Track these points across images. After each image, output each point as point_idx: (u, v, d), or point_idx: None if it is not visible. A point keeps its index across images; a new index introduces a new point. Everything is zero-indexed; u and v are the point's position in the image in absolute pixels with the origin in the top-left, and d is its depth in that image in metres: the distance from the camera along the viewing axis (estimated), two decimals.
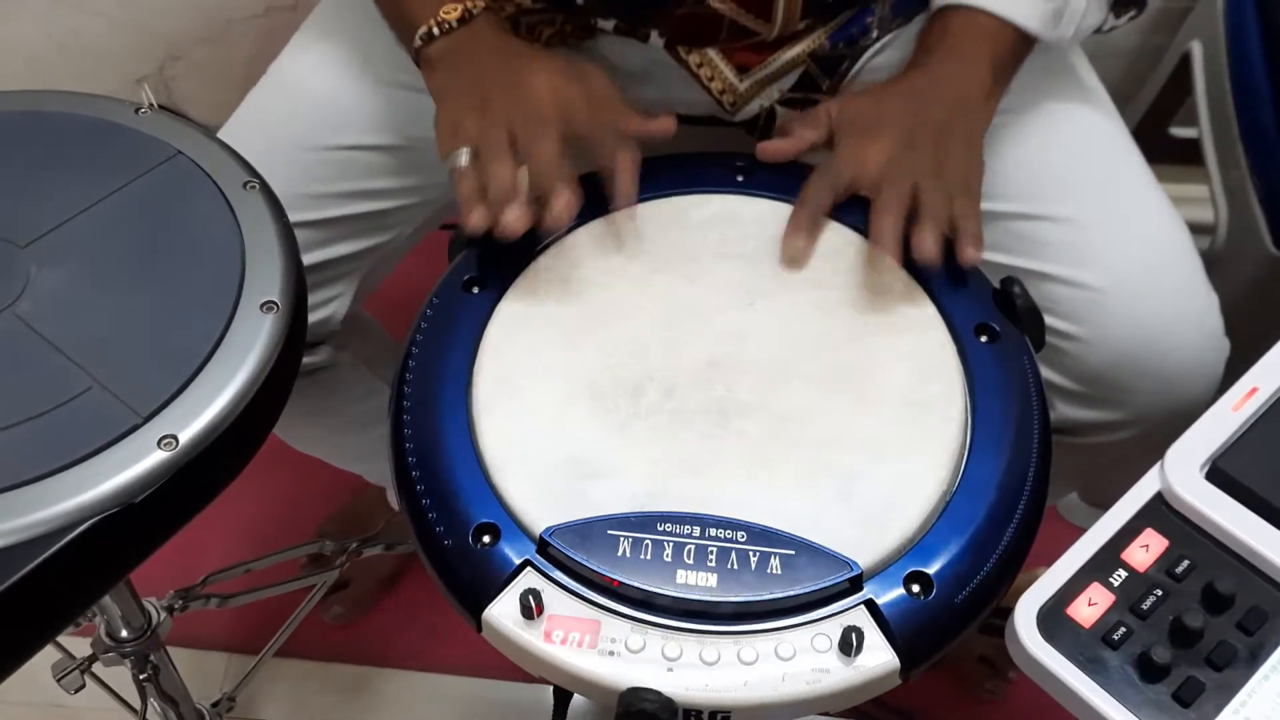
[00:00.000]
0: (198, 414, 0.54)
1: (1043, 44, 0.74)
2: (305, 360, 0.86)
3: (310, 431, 0.98)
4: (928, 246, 0.63)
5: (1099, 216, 0.76)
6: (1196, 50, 1.12)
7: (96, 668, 0.87)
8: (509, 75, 0.69)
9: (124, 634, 0.84)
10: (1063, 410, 0.78)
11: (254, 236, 0.61)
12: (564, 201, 0.64)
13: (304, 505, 1.23)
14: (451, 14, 0.71)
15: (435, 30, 0.71)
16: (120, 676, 0.91)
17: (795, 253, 0.66)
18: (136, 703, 0.90)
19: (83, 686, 0.86)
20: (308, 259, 0.74)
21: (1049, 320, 0.69)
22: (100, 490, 0.52)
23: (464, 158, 0.67)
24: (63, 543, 0.51)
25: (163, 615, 0.86)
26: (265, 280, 0.60)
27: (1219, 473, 0.54)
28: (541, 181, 0.64)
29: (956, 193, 0.65)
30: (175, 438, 0.54)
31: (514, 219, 0.63)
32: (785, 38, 0.82)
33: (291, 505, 1.24)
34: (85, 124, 0.66)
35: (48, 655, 0.84)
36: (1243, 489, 0.53)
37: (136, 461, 0.53)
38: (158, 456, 0.53)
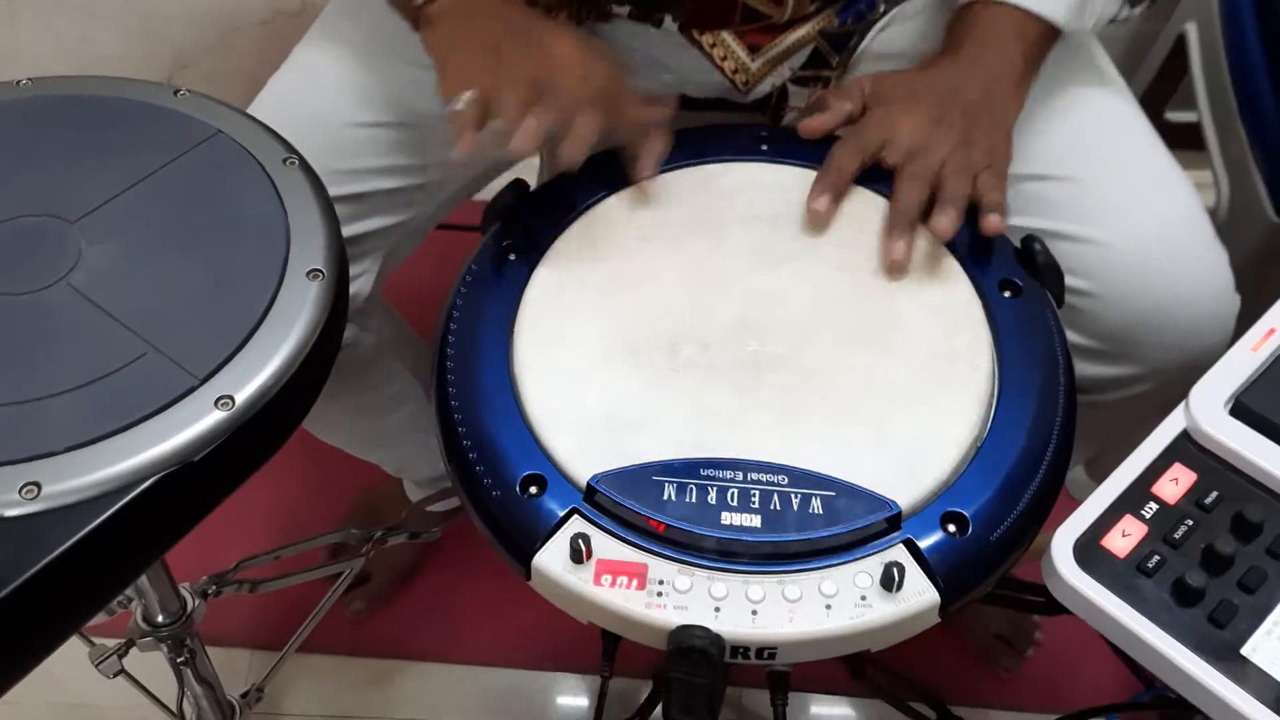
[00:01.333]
0: (252, 375, 0.56)
1: (1066, 33, 0.76)
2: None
3: (330, 415, 0.99)
4: (943, 226, 0.65)
5: (1110, 177, 0.78)
6: (1192, 31, 1.15)
7: (126, 662, 0.88)
8: (524, 35, 0.71)
9: (160, 619, 0.85)
10: (1081, 368, 0.79)
11: (296, 209, 0.63)
12: (589, 122, 0.65)
13: (325, 498, 1.24)
14: None
15: None
16: (147, 670, 0.92)
17: (819, 213, 0.68)
18: (163, 695, 0.91)
19: (120, 672, 0.87)
20: None
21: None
22: (161, 449, 0.53)
23: (464, 102, 0.67)
24: (126, 500, 0.52)
25: (197, 601, 0.87)
26: (310, 250, 0.61)
27: (1242, 407, 0.56)
28: (568, 106, 0.65)
29: (982, 169, 0.67)
30: (231, 398, 0.55)
31: (532, 129, 0.64)
32: (796, 19, 0.85)
33: (312, 498, 1.25)
34: (126, 106, 0.67)
35: (72, 652, 0.85)
36: (1266, 422, 0.55)
37: (195, 421, 0.54)
38: (215, 416, 0.55)
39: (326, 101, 0.83)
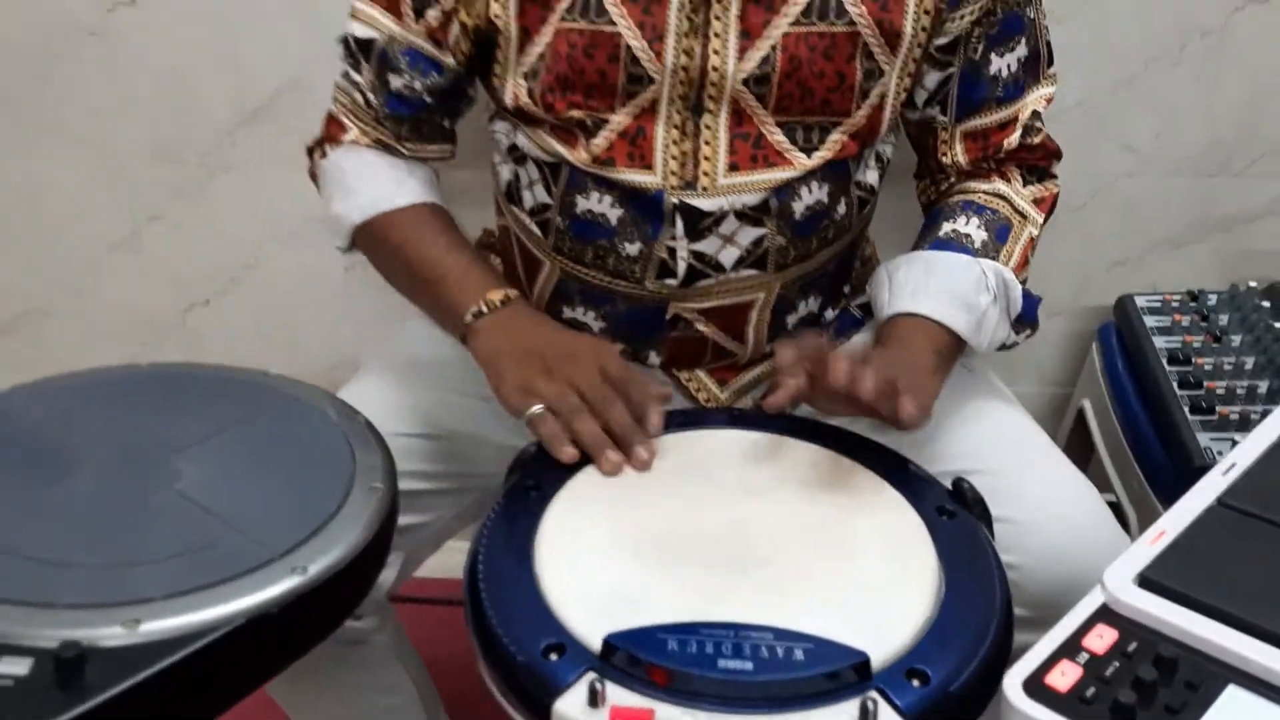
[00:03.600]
0: (323, 552, 0.67)
1: (970, 349, 0.97)
2: (350, 625, 0.97)
3: (329, 710, 1.04)
4: (908, 409, 0.81)
5: (1018, 470, 0.94)
6: (1088, 406, 1.37)
7: None
8: (560, 346, 0.90)
9: None
10: (1018, 639, 0.90)
11: (359, 444, 0.78)
12: (649, 451, 0.84)
13: None
14: (496, 296, 0.94)
15: (484, 308, 0.93)
16: None
17: (773, 406, 0.83)
18: None
19: None
20: None
21: None
22: (244, 602, 0.63)
23: (539, 408, 0.86)
24: (210, 639, 0.61)
25: None
26: (370, 472, 0.75)
27: (1147, 580, 0.68)
28: (626, 436, 0.85)
29: (913, 387, 0.83)
30: (305, 567, 0.66)
31: (617, 461, 0.84)
32: (756, 358, 1.05)
33: None
34: (226, 380, 0.84)
35: None
36: (1167, 589, 0.67)
37: (274, 583, 0.64)
38: (291, 580, 0.65)
39: (375, 415, 1.00)
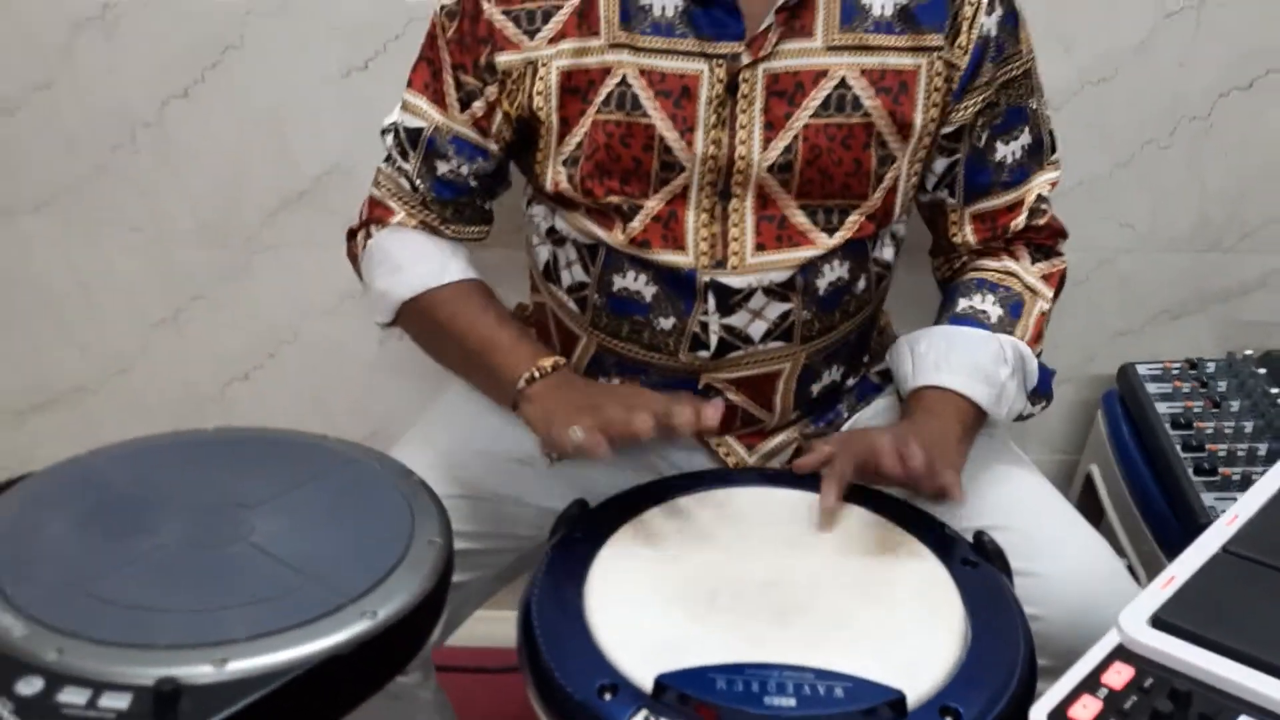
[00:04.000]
0: (391, 598, 0.72)
1: (990, 419, 1.02)
2: (399, 680, 1.01)
3: None
4: (949, 481, 0.87)
5: (1039, 528, 0.99)
6: (1095, 471, 1.42)
7: None
8: (606, 394, 0.96)
9: None
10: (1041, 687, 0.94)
11: (417, 503, 0.83)
12: (711, 407, 0.89)
13: None
14: (546, 362, 0.99)
15: (536, 374, 0.98)
16: None
17: (830, 508, 0.88)
18: None
19: None
20: None
21: None
22: (321, 643, 0.68)
23: (579, 433, 0.88)
24: (291, 677, 0.66)
25: None
26: (428, 528, 0.80)
27: (1159, 620, 0.73)
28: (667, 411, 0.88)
29: (944, 459, 0.89)
30: (375, 612, 0.71)
31: (690, 412, 0.87)
32: (781, 425, 1.11)
33: None
34: (290, 444, 0.90)
35: None
36: (1178, 628, 0.72)
37: (347, 626, 0.69)
38: (362, 624, 0.70)
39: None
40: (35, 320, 1.55)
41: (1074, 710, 0.68)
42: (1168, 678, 0.69)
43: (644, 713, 0.69)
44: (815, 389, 1.10)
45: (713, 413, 0.89)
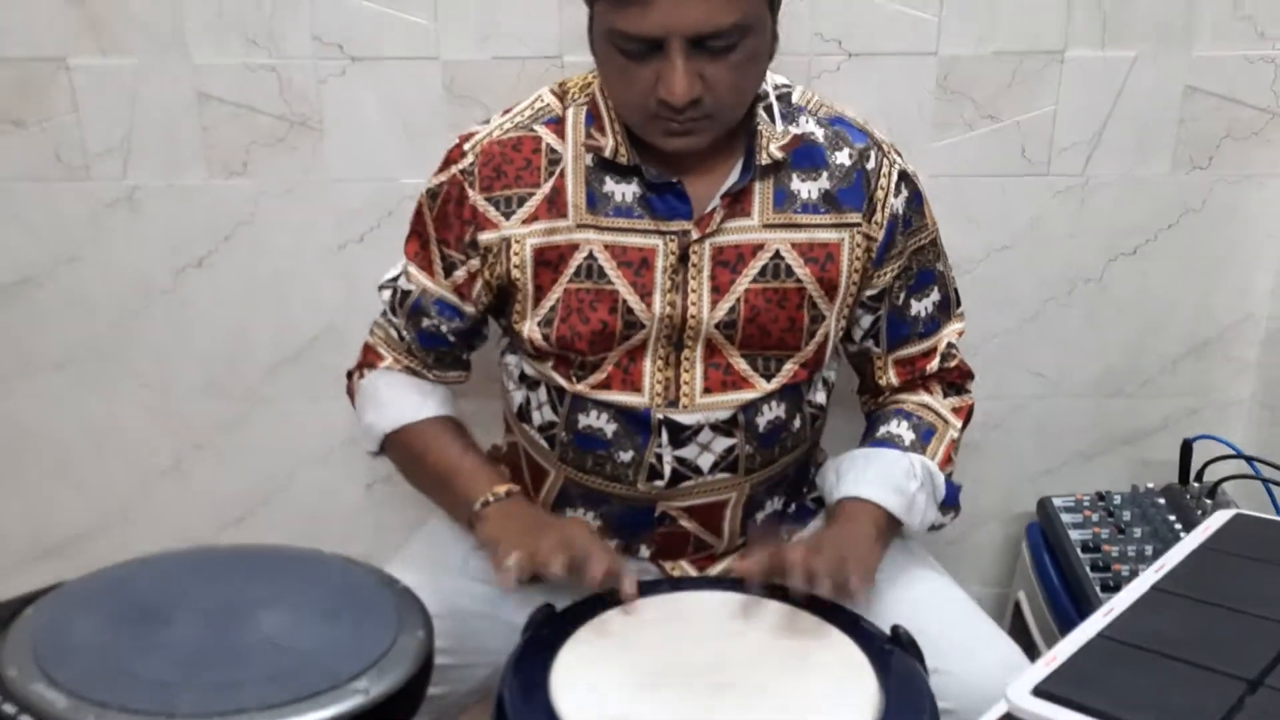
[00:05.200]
0: (381, 679, 0.84)
1: (905, 528, 1.17)
2: None
3: None
4: (854, 586, 1.01)
5: (949, 629, 1.12)
6: (1022, 597, 1.55)
7: None
8: (551, 530, 1.09)
9: None
10: None
11: (401, 603, 0.95)
12: (632, 578, 1.04)
13: None
14: (500, 489, 1.14)
15: (490, 498, 1.13)
16: None
17: (746, 570, 1.04)
18: None
19: None
20: None
21: None
22: (323, 713, 0.80)
23: (514, 560, 1.03)
24: None
25: None
26: (412, 623, 0.93)
27: (1041, 691, 0.86)
28: (614, 567, 1.03)
29: (857, 559, 1.03)
30: (367, 690, 0.83)
31: (599, 568, 1.03)
32: (729, 550, 1.25)
33: None
34: (290, 555, 1.02)
35: None
36: (1055, 696, 0.85)
37: (345, 699, 0.81)
38: (357, 698, 0.82)
39: None
40: (45, 470, 1.68)
41: None
42: None
43: None
44: (759, 517, 1.24)
45: (630, 587, 1.05)
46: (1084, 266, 1.56)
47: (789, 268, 1.15)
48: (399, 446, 1.24)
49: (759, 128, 1.13)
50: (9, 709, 0.77)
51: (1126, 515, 1.46)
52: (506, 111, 1.19)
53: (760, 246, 1.14)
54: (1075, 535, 1.44)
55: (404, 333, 1.25)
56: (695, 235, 1.13)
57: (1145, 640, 0.92)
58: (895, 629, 1.01)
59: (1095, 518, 1.47)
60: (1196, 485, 1.48)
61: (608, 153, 1.13)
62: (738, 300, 1.14)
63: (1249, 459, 1.44)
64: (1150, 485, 1.52)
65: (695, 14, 0.98)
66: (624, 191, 1.14)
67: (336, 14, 1.44)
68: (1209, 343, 1.60)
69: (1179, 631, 0.93)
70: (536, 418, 1.23)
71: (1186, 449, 1.49)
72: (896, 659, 0.96)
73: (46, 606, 0.91)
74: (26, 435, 1.66)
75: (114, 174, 1.52)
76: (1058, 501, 1.52)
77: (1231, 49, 1.45)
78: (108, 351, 1.61)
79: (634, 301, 1.14)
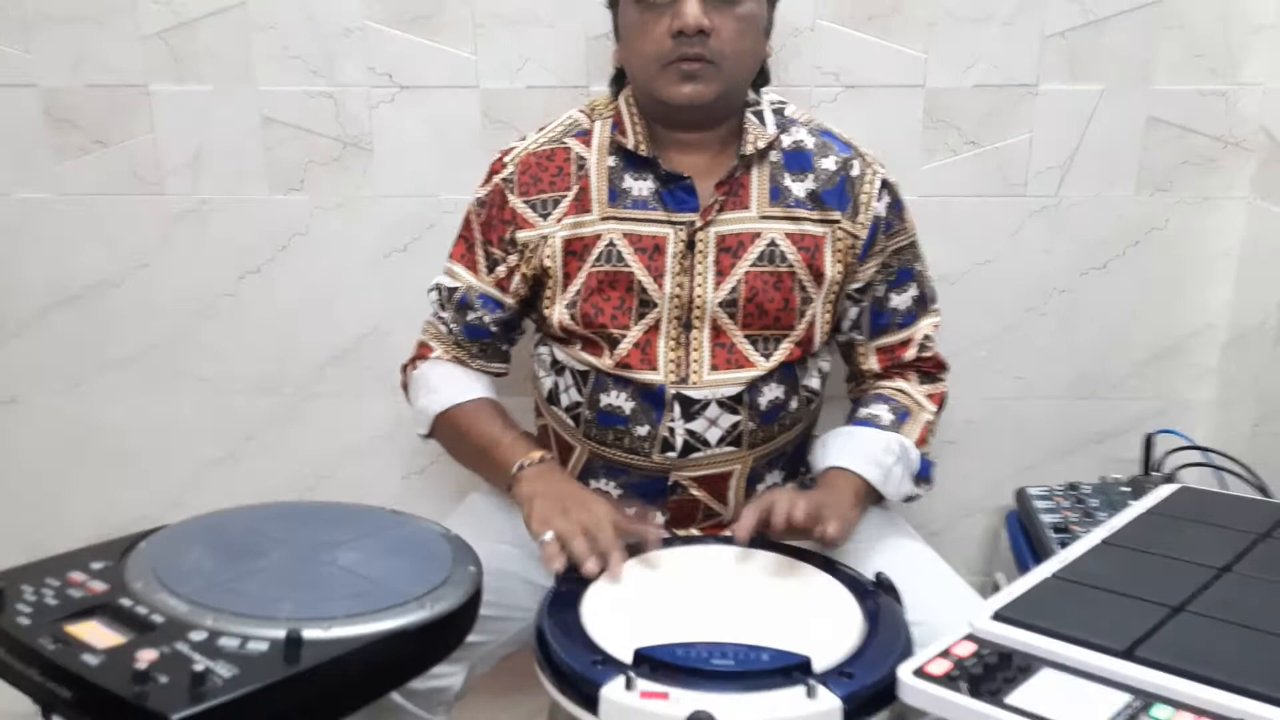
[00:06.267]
0: (442, 600, 1.00)
1: (885, 500, 1.32)
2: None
3: None
4: (831, 533, 1.17)
5: (923, 586, 1.26)
6: (1001, 579, 1.70)
7: None
8: (577, 497, 1.25)
9: None
10: None
11: (455, 547, 1.11)
12: (619, 559, 1.17)
13: None
14: (535, 454, 1.30)
15: (526, 464, 1.29)
16: None
17: (743, 530, 1.18)
18: None
19: None
20: None
21: None
22: (392, 623, 0.95)
23: (550, 536, 1.19)
24: (372, 641, 0.92)
25: None
26: (464, 560, 1.08)
27: (999, 615, 1.01)
28: (606, 551, 1.17)
29: (836, 515, 1.18)
30: (431, 605, 0.98)
31: (594, 566, 1.16)
32: (735, 519, 1.40)
33: None
34: (360, 510, 1.18)
35: None
36: (1012, 619, 1.00)
37: (413, 613, 0.97)
38: (422, 612, 0.97)
39: None
40: (111, 460, 1.84)
41: (929, 668, 0.95)
42: (999, 647, 0.97)
43: (625, 675, 0.96)
44: (760, 489, 1.40)
45: (653, 545, 1.21)
46: (1058, 279, 1.73)
47: (783, 254, 1.32)
48: (447, 425, 1.40)
49: (747, 128, 1.33)
50: (141, 610, 0.93)
51: (1094, 502, 1.61)
52: (542, 128, 1.38)
53: (757, 235, 1.32)
54: (1047, 519, 1.59)
55: (451, 326, 1.42)
56: (699, 224, 1.31)
57: (1090, 580, 1.08)
58: (878, 575, 1.16)
59: (1066, 504, 1.62)
60: (1157, 474, 1.63)
61: (630, 145, 1.32)
62: (738, 281, 1.32)
63: (1201, 449, 1.59)
64: (1117, 476, 1.67)
65: None
66: (641, 187, 1.33)
67: (387, 47, 1.62)
68: (1172, 349, 1.76)
69: (1119, 573, 1.09)
70: (564, 399, 1.39)
71: (1148, 442, 1.64)
72: (879, 598, 1.12)
73: (158, 540, 1.08)
74: (95, 428, 1.83)
75: (185, 189, 1.69)
76: (1033, 491, 1.67)
77: (1187, 84, 1.62)
78: (171, 351, 1.78)
79: (648, 282, 1.31)
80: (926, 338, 1.43)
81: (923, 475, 1.38)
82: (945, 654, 0.97)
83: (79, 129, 1.67)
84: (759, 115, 1.35)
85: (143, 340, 1.77)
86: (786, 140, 1.35)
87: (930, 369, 1.45)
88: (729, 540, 1.24)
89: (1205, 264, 1.71)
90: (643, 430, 1.34)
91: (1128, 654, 0.93)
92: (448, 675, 1.28)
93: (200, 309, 1.76)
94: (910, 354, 1.42)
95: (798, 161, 1.35)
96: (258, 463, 1.84)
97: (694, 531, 1.40)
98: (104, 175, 1.69)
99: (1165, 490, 1.33)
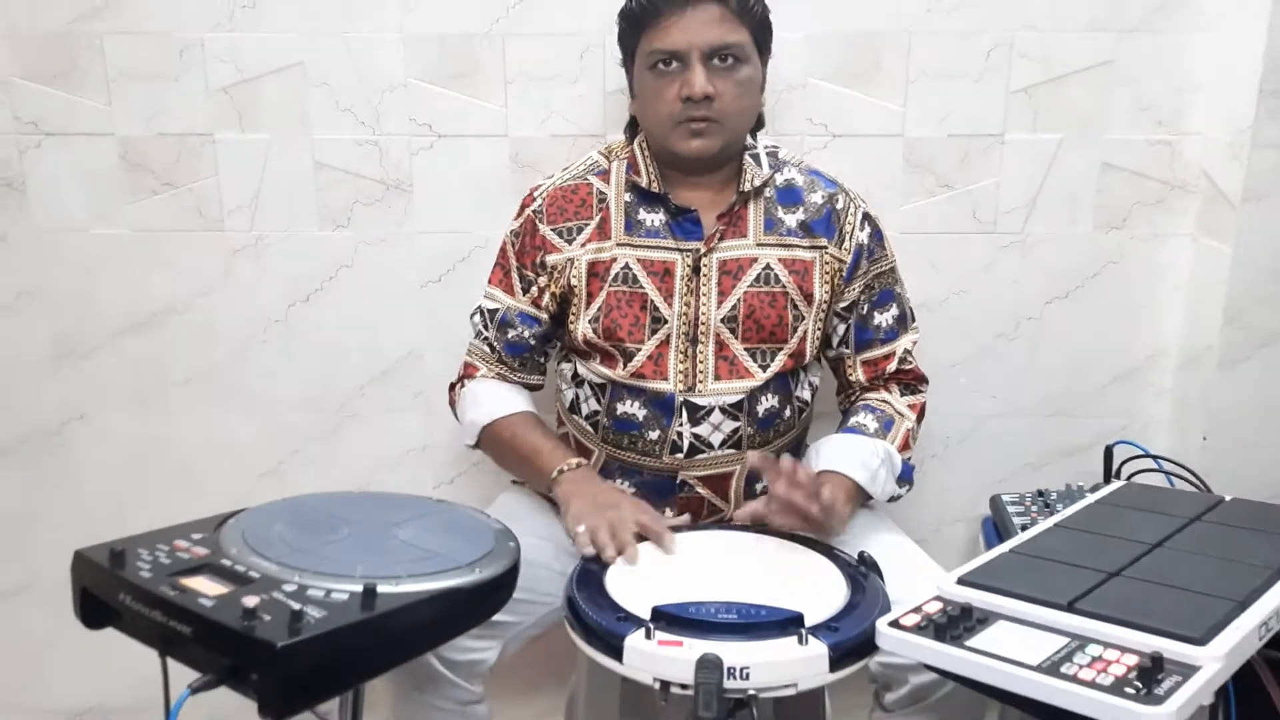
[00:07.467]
0: (488, 567, 1.18)
1: (873, 500, 1.51)
2: (464, 688, 1.43)
3: None
4: (815, 515, 1.35)
5: (902, 572, 1.44)
6: None
7: None
8: (610, 500, 1.44)
9: None
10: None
11: (498, 526, 1.29)
12: (633, 552, 1.35)
13: None
14: (574, 461, 1.49)
15: (565, 469, 1.48)
16: None
17: (745, 515, 1.37)
18: None
19: None
20: None
21: None
22: (444, 583, 1.13)
23: (582, 529, 1.38)
24: (432, 596, 1.10)
25: None
26: (505, 538, 1.27)
27: (963, 579, 1.19)
28: (626, 546, 1.35)
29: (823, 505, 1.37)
30: (479, 570, 1.16)
31: (613, 553, 1.34)
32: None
33: None
34: (417, 499, 1.37)
35: None
36: (972, 582, 1.18)
37: (463, 576, 1.14)
38: (471, 576, 1.15)
39: None
40: (169, 473, 2.02)
41: (903, 620, 1.13)
42: (962, 605, 1.15)
43: (645, 627, 1.13)
44: (758, 488, 1.58)
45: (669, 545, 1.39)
46: (1026, 307, 1.92)
47: (777, 277, 1.52)
48: (493, 435, 1.60)
49: (746, 168, 1.53)
50: (240, 568, 1.11)
51: (1060, 506, 1.79)
52: (566, 168, 1.59)
53: (754, 260, 1.52)
54: (1018, 521, 1.76)
55: (495, 344, 1.62)
56: (703, 250, 1.51)
57: (1041, 553, 1.26)
58: (861, 553, 1.34)
59: (1035, 508, 1.79)
60: (1116, 480, 1.81)
61: (643, 184, 1.52)
62: (738, 300, 1.51)
63: (1154, 457, 1.77)
64: (1081, 484, 1.84)
65: (709, 33, 1.43)
66: (653, 219, 1.53)
67: (428, 101, 1.82)
68: (1131, 371, 1.94)
69: (1067, 548, 1.27)
70: (584, 409, 1.58)
71: (1109, 452, 1.82)
72: (862, 571, 1.30)
73: (245, 517, 1.26)
74: (156, 444, 2.01)
75: (243, 226, 1.89)
76: (1006, 498, 1.84)
77: (1137, 134, 1.82)
78: (228, 372, 1.96)
79: (659, 301, 1.51)
80: (907, 352, 1.62)
81: (905, 477, 1.56)
82: (916, 610, 1.15)
83: (151, 173, 1.87)
84: (755, 158, 1.55)
85: (203, 362, 1.96)
86: (780, 178, 1.55)
87: (911, 380, 1.64)
88: (728, 526, 1.42)
89: (1158, 294, 1.90)
90: (654, 435, 1.52)
91: (1069, 607, 1.10)
92: (483, 650, 1.45)
93: (255, 334, 1.95)
94: (893, 366, 1.61)
95: (789, 196, 1.55)
96: (304, 474, 2.01)
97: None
98: (172, 214, 1.89)
99: (1114, 486, 1.51)
